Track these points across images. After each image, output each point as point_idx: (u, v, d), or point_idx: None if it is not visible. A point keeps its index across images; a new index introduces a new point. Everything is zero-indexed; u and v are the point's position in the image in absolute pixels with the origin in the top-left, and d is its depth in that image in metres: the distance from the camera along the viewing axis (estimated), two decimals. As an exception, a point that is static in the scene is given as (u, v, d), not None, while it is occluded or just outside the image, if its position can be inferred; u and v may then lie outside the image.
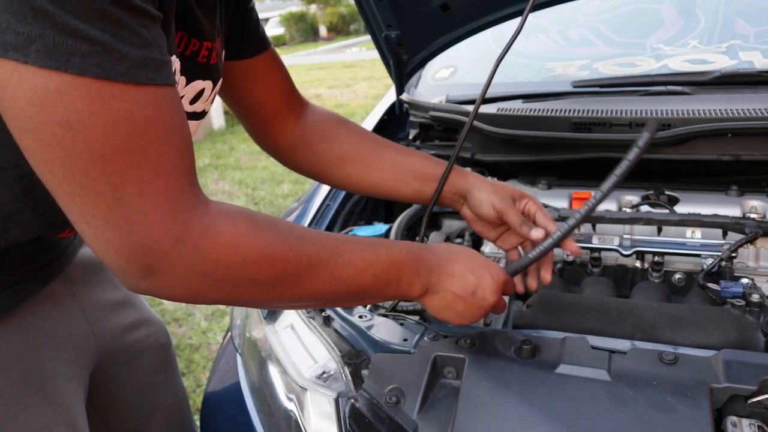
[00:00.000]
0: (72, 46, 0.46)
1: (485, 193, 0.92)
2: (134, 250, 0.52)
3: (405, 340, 0.87)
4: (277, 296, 0.62)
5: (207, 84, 0.75)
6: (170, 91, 0.54)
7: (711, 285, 0.99)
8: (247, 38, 0.87)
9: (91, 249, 0.54)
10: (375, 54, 1.71)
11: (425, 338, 0.84)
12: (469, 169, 1.04)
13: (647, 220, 1.13)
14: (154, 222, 0.51)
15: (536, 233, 0.88)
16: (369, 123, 1.76)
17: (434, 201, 0.95)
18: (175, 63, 0.65)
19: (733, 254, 1.04)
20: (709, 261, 1.04)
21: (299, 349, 0.95)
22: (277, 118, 0.95)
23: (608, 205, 1.25)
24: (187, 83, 0.71)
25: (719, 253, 1.04)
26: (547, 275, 0.89)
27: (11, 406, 0.76)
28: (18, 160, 0.62)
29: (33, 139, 0.48)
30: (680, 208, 1.19)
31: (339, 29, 28.68)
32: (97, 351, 0.95)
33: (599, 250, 1.15)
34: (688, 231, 1.13)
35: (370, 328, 0.92)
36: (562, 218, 1.18)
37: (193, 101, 0.75)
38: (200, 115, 0.79)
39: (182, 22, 0.67)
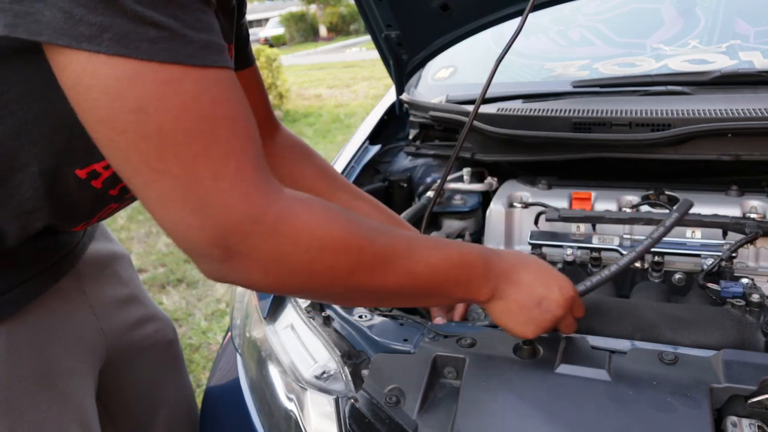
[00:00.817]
0: (141, 33, 0.47)
1: None
2: (214, 232, 0.52)
3: (405, 340, 0.86)
4: (352, 286, 0.60)
5: None
6: (231, 74, 0.54)
7: (711, 285, 0.99)
8: (236, 51, 0.88)
9: (171, 238, 0.54)
10: (375, 54, 1.71)
11: (425, 338, 0.84)
12: None
13: (647, 220, 1.13)
14: (231, 203, 0.51)
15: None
16: (369, 123, 1.76)
17: (434, 201, 0.95)
18: None
19: (733, 254, 1.04)
20: (709, 261, 1.04)
21: (299, 349, 0.95)
22: None
23: (608, 205, 1.25)
24: None
25: (719, 253, 1.04)
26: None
27: (22, 401, 0.76)
28: (42, 157, 0.65)
29: (108, 128, 0.49)
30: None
31: (339, 29, 28.69)
32: (105, 347, 0.96)
33: (599, 250, 1.15)
34: (688, 231, 1.13)
35: (370, 328, 0.92)
36: (562, 218, 1.18)
37: None
38: None
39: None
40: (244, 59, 0.90)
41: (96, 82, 0.47)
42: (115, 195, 0.75)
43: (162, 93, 0.48)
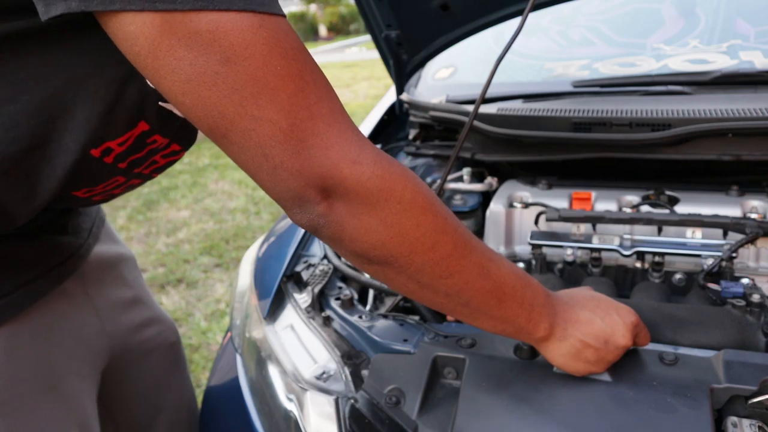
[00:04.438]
0: None
1: None
2: (314, 173, 0.52)
3: (405, 340, 0.86)
4: (431, 259, 0.59)
5: None
6: (290, 24, 0.55)
7: (711, 285, 0.99)
8: None
9: (264, 187, 0.54)
10: (375, 54, 1.71)
11: (425, 338, 0.84)
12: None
13: (647, 220, 1.13)
14: (330, 144, 0.52)
15: None
16: (369, 123, 1.76)
17: (443, 181, 0.94)
18: None
19: (734, 254, 1.03)
20: (710, 261, 1.04)
21: (299, 349, 0.95)
22: None
23: (608, 205, 1.25)
24: None
25: (720, 254, 1.04)
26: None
27: (23, 403, 0.76)
28: (60, 136, 0.63)
29: (198, 85, 0.48)
30: (680, 208, 1.19)
31: (339, 29, 28.68)
32: (109, 349, 0.96)
33: (599, 250, 1.15)
34: (689, 231, 1.13)
35: (370, 328, 0.91)
36: (562, 218, 1.18)
37: None
38: None
39: None
40: None
41: (177, 42, 0.47)
42: (123, 168, 0.74)
43: (246, 41, 0.48)
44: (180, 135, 0.74)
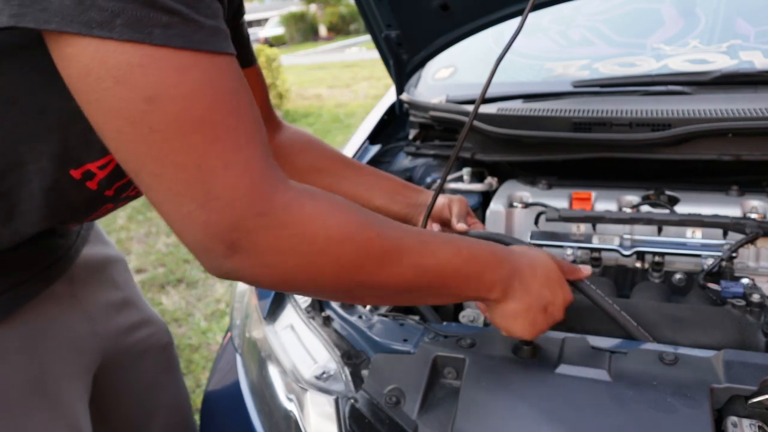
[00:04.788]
0: (154, 18, 0.46)
1: (441, 200, 1.03)
2: (219, 227, 0.50)
3: (405, 340, 0.86)
4: (360, 281, 0.59)
5: None
6: (236, 62, 0.54)
7: (711, 285, 0.99)
8: (236, 51, 0.88)
9: (175, 233, 0.53)
10: (375, 54, 1.71)
11: (425, 338, 0.84)
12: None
13: (647, 220, 1.13)
14: (238, 196, 0.50)
15: (461, 226, 0.99)
16: (369, 123, 1.76)
17: (434, 201, 0.95)
18: None
19: (734, 254, 1.03)
20: (710, 261, 1.04)
21: (299, 349, 0.95)
22: None
23: (608, 205, 1.25)
24: None
25: (720, 254, 1.04)
26: None
27: (14, 407, 0.76)
28: (37, 156, 0.64)
29: (119, 119, 0.48)
30: (680, 208, 1.19)
31: (339, 29, 28.69)
32: (100, 352, 0.95)
33: (599, 250, 1.15)
34: (689, 231, 1.13)
35: (370, 328, 0.91)
36: (562, 218, 1.18)
37: None
38: None
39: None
40: (244, 59, 0.90)
41: (106, 72, 0.46)
42: (111, 195, 0.75)
43: (173, 81, 0.47)
44: None
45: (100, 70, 0.46)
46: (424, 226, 0.96)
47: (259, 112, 0.56)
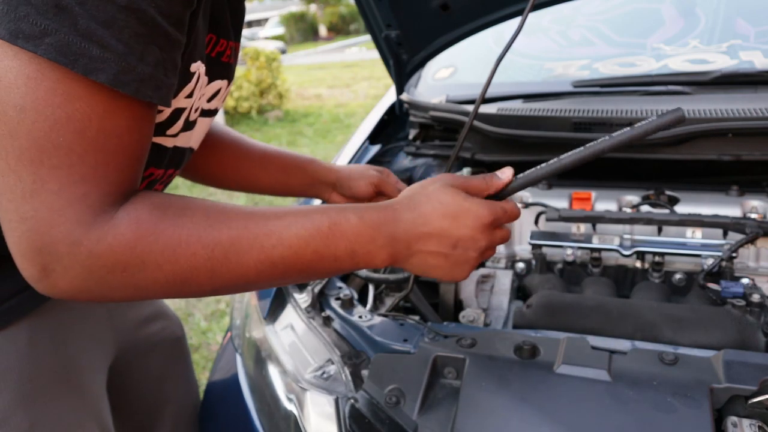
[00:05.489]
0: (84, 48, 0.47)
1: (356, 175, 0.99)
2: (31, 247, 0.51)
3: (405, 340, 0.86)
4: (193, 291, 0.58)
5: (223, 83, 0.76)
6: (151, 113, 0.55)
7: (711, 285, 0.99)
8: None
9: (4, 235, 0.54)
10: (375, 54, 1.71)
11: (425, 338, 0.84)
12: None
13: (647, 220, 1.13)
14: (58, 222, 0.50)
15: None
16: (369, 123, 1.76)
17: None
18: (200, 68, 0.66)
19: (734, 254, 1.03)
20: (710, 261, 1.04)
21: (299, 349, 0.95)
22: None
23: (608, 205, 1.25)
24: (209, 83, 0.72)
25: (720, 253, 1.04)
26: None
27: (43, 394, 0.77)
28: None
29: None
30: (680, 208, 1.19)
31: (339, 29, 28.70)
32: (116, 344, 0.97)
33: (599, 250, 1.15)
34: (689, 231, 1.13)
35: (370, 328, 0.91)
36: (562, 218, 1.18)
37: (209, 99, 0.76)
38: (213, 113, 0.80)
39: (215, 25, 0.68)
40: None
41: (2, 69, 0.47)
42: None
43: (52, 102, 0.48)
44: (172, 161, 0.74)
45: None
46: None
47: (142, 159, 0.56)
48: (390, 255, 0.66)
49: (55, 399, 0.78)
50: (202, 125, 0.78)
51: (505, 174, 0.72)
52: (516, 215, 0.72)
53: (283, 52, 15.72)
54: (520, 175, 0.73)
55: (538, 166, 0.73)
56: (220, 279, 0.58)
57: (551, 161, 0.73)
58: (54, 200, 0.50)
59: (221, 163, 1.00)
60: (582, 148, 0.73)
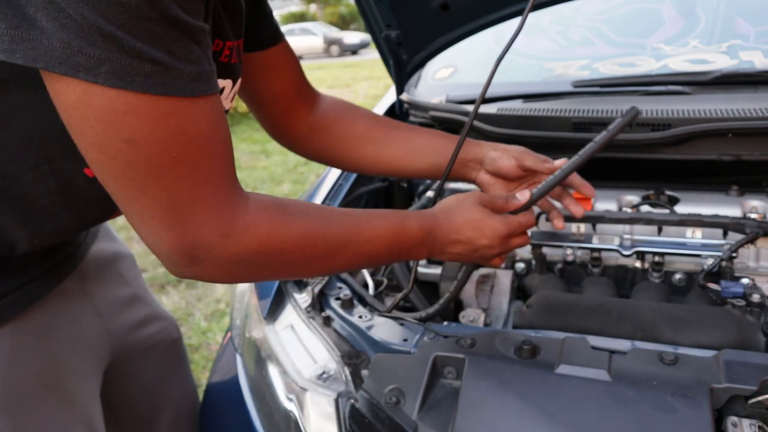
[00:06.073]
0: (137, 68, 0.50)
1: (501, 150, 0.99)
2: (184, 246, 0.58)
3: (405, 340, 0.86)
4: (307, 273, 0.74)
5: (227, 83, 0.76)
6: (217, 99, 0.58)
7: (711, 285, 0.99)
8: (261, 30, 0.88)
9: (144, 242, 0.60)
10: (375, 54, 1.71)
11: (425, 338, 0.84)
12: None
13: (647, 220, 1.13)
14: (204, 221, 0.57)
15: (559, 162, 0.97)
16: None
17: (434, 201, 0.95)
18: None
19: (734, 254, 1.03)
20: (710, 261, 1.04)
21: (299, 349, 0.95)
22: (291, 109, 0.97)
23: (608, 205, 1.25)
24: None
25: (720, 254, 1.04)
26: (558, 223, 0.98)
27: (28, 401, 0.77)
28: (51, 157, 0.68)
29: (99, 153, 0.53)
30: (680, 208, 1.19)
31: (339, 29, 28.69)
32: (110, 347, 0.97)
33: (599, 250, 1.15)
34: (689, 231, 1.13)
35: (370, 328, 0.91)
36: (565, 219, 1.18)
37: None
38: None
39: (209, 24, 0.67)
40: (271, 37, 0.90)
41: (91, 112, 0.50)
42: None
43: (153, 126, 0.52)
44: None
45: (85, 109, 0.50)
46: (437, 197, 0.95)
47: (231, 141, 0.62)
48: (429, 252, 0.82)
49: (40, 405, 0.78)
50: None
51: (524, 196, 0.88)
52: (531, 224, 0.87)
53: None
54: (534, 189, 0.89)
55: (542, 183, 0.89)
56: (327, 266, 0.71)
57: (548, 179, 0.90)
58: (193, 206, 0.56)
59: (365, 152, 1.01)
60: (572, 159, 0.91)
